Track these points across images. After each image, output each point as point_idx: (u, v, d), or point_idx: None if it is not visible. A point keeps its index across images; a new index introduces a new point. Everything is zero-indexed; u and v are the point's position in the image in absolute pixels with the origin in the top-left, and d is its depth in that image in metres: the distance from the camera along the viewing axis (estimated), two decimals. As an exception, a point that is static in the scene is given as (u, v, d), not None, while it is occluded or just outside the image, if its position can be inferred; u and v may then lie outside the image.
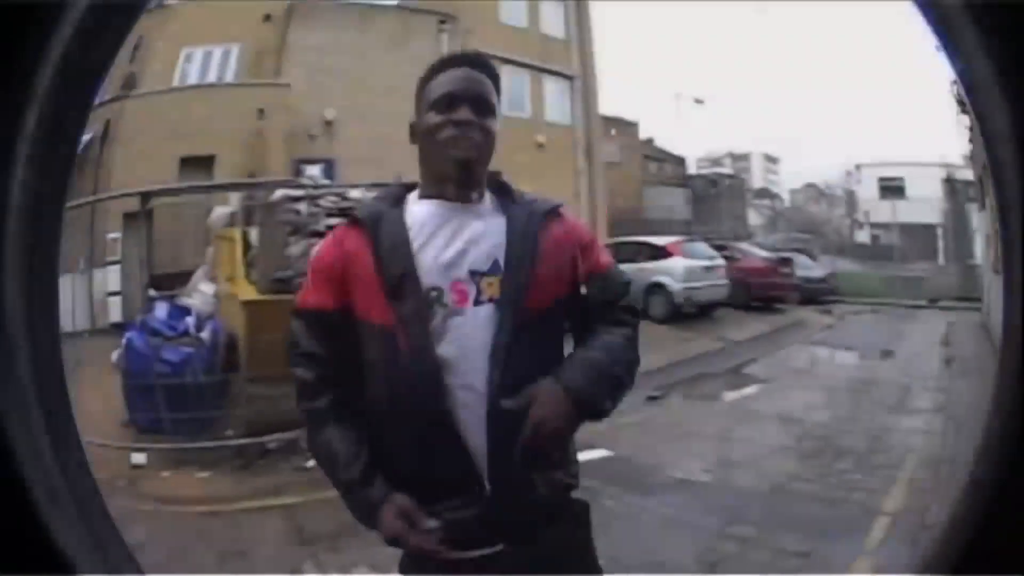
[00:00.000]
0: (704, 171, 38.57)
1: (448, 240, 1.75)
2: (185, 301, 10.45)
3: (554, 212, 1.89)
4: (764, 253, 19.43)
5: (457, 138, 1.75)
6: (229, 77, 18.53)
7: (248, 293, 8.23)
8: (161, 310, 9.73)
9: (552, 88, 22.66)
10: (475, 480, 1.70)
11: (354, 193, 8.74)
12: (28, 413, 0.92)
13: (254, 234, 8.62)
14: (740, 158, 49.12)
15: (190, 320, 9.36)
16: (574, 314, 1.89)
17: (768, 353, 13.18)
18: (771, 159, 54.02)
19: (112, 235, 16.45)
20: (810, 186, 47.42)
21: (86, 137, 14.97)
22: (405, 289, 1.69)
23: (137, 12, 1.06)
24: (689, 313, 15.65)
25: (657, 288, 15.63)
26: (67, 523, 0.92)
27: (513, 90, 20.88)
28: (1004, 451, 0.84)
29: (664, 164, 33.81)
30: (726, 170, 42.07)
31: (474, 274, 1.72)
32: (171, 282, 13.29)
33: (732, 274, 17.28)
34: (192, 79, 18.35)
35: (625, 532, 5.50)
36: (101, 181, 16.26)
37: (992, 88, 0.82)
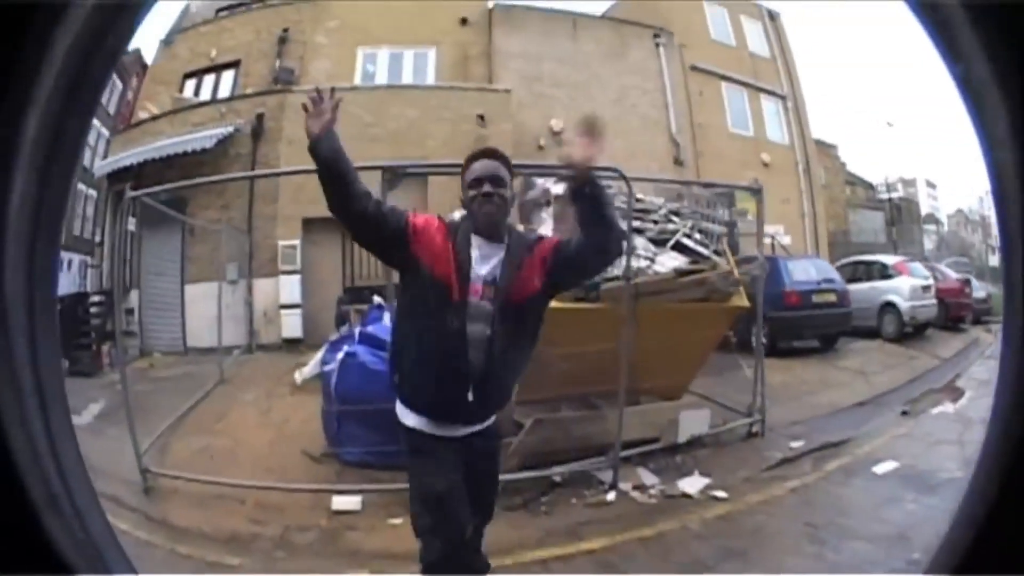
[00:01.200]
0: (890, 195, 37.95)
1: (483, 260, 3.08)
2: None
3: (537, 239, 3.26)
4: (955, 275, 19.17)
5: (485, 204, 3.10)
6: (430, 79, 17.72)
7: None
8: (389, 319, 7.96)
9: (768, 107, 21.94)
10: (464, 385, 3.05)
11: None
12: (27, 417, 0.97)
13: (543, 232, 6.87)
14: (909, 183, 50.13)
15: None
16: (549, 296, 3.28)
17: (964, 368, 13.04)
18: (931, 184, 56.40)
19: (287, 242, 15.44)
20: (959, 212, 51.49)
21: (225, 130, 15.66)
22: (461, 270, 3.02)
23: (140, 16, 1.09)
24: (907, 332, 15.62)
25: (890, 307, 15.72)
26: (65, 526, 0.98)
27: (734, 107, 20.65)
28: (1006, 453, 0.89)
29: (856, 188, 33.82)
30: (904, 195, 42.99)
31: (486, 282, 3.05)
32: (366, 296, 12.38)
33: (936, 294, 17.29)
34: (381, 79, 17.62)
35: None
36: (261, 181, 15.33)
37: (991, 90, 0.85)
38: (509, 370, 3.21)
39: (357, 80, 17.31)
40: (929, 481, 6.73)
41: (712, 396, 8.49)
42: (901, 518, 5.67)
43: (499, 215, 3.14)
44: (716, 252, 7.67)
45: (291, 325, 15.08)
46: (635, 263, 6.84)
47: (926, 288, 16.22)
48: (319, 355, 9.39)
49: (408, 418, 3.18)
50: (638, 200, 7.88)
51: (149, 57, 18.93)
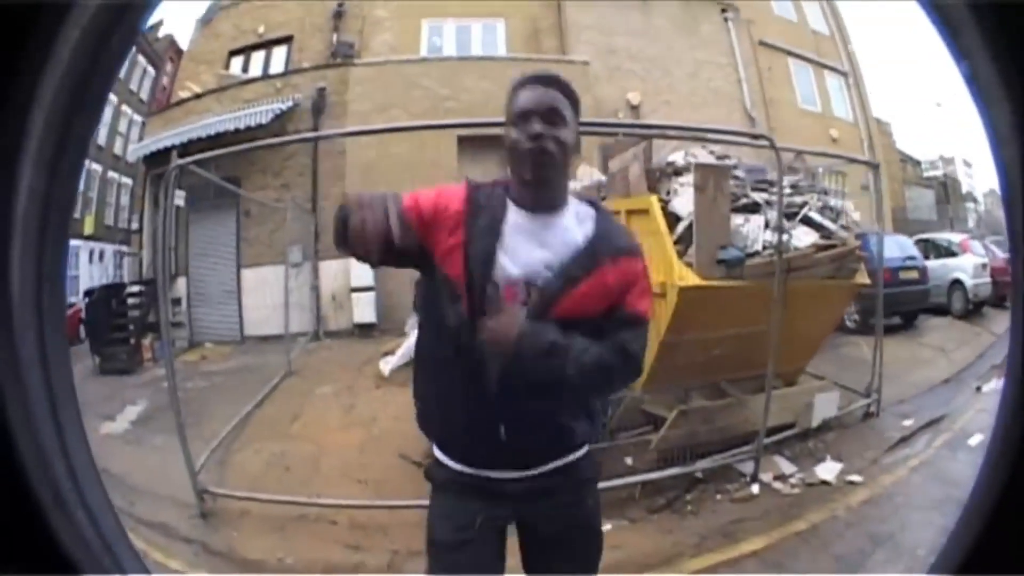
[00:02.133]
0: (940, 173, 37.73)
1: (521, 247, 2.12)
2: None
3: (628, 248, 2.21)
4: (1002, 253, 18.22)
5: (533, 151, 2.08)
6: (501, 51, 17.30)
7: (687, 277, 6.36)
8: None
9: (832, 84, 21.68)
10: (491, 423, 2.14)
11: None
12: (34, 417, 0.96)
13: (679, 203, 6.93)
14: (948, 162, 48.05)
15: None
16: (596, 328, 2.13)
17: None
18: (967, 163, 54.67)
19: None
20: (992, 191, 48.16)
21: (283, 105, 15.38)
22: (473, 271, 2.09)
23: (147, 13, 1.10)
24: (969, 310, 15.77)
25: (957, 284, 15.87)
26: (72, 525, 0.97)
27: (802, 83, 20.40)
28: (1011, 452, 0.89)
29: (906, 165, 33.08)
30: (948, 172, 41.31)
31: (527, 283, 2.10)
32: None
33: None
34: (450, 52, 17.30)
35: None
36: (324, 159, 15.23)
37: (996, 88, 0.85)
38: (557, 398, 2.19)
39: (424, 52, 17.07)
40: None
41: (828, 377, 8.43)
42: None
43: (555, 169, 2.14)
44: (843, 227, 7.49)
45: (364, 309, 14.62)
46: (770, 237, 6.68)
47: (984, 266, 16.34)
48: (410, 340, 8.96)
49: (443, 458, 2.32)
50: (762, 172, 7.80)
51: (183, 42, 18.88)
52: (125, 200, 18.34)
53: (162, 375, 7.30)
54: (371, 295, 14.62)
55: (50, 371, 0.98)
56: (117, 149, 18.26)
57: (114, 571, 1.02)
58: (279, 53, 17.67)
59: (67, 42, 0.91)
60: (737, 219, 6.75)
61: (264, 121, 14.72)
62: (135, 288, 15.12)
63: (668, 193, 7.14)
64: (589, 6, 17.62)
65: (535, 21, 17.79)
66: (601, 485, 5.50)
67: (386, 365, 9.56)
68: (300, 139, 13.15)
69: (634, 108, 16.88)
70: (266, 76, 17.02)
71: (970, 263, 16.11)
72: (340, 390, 9.38)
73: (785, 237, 6.67)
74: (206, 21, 18.10)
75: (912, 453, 7.20)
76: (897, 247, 14.14)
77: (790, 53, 20.21)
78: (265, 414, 8.53)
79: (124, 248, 17.91)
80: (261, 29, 17.57)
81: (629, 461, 6.49)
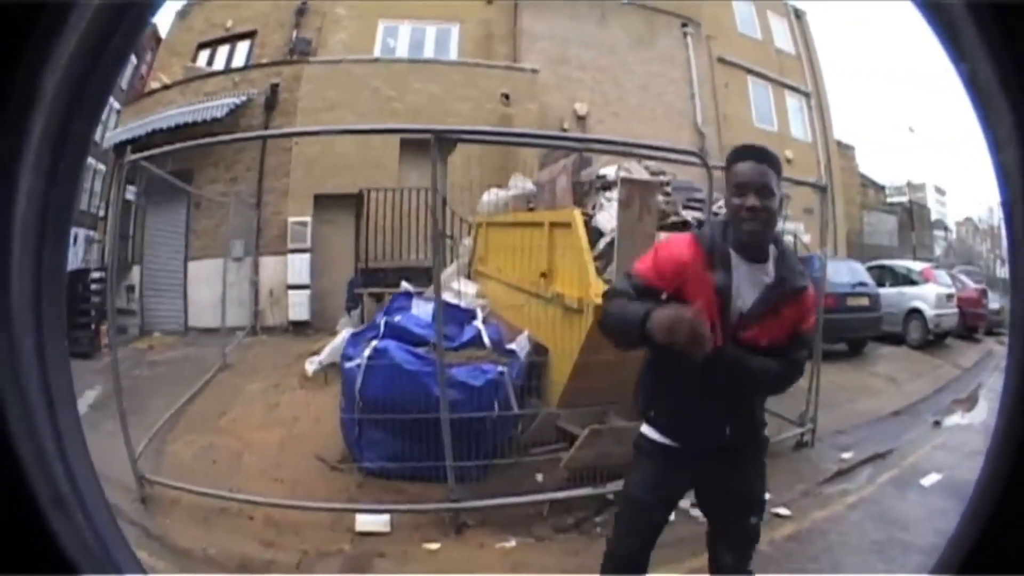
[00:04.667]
0: (903, 199, 38.31)
1: (741, 288, 2.83)
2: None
3: (803, 289, 2.94)
4: (973, 284, 19.07)
5: (748, 221, 2.77)
6: (452, 56, 17.36)
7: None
8: (422, 308, 7.43)
9: (792, 104, 21.92)
10: (722, 427, 2.96)
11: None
12: (33, 416, 0.96)
13: (602, 218, 6.72)
14: (917, 188, 49.06)
15: (477, 324, 7.20)
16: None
17: (985, 379, 12.94)
18: (940, 190, 55.54)
19: (297, 219, 14.85)
20: (968, 220, 50.24)
21: (237, 100, 15.26)
22: (725, 315, 2.81)
23: (148, 15, 1.09)
24: (929, 340, 15.59)
25: (915, 314, 15.75)
26: (71, 525, 0.97)
27: (759, 102, 20.64)
28: (1012, 453, 0.90)
29: (868, 189, 33.20)
30: (916, 199, 42.02)
31: (741, 315, 2.83)
32: (381, 279, 12.17)
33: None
34: (402, 54, 17.23)
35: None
36: (271, 155, 15.06)
37: (996, 90, 0.85)
38: (761, 400, 3.21)
39: (377, 53, 16.97)
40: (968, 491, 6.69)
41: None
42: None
43: (765, 234, 2.85)
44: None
45: (299, 307, 14.54)
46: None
47: (950, 296, 16.24)
48: (335, 342, 8.85)
49: (655, 435, 3.10)
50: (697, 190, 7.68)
51: (164, 31, 18.64)
52: (99, 186, 18.33)
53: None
54: (306, 293, 14.63)
55: (49, 373, 0.98)
56: (96, 135, 18.08)
57: (112, 572, 1.02)
58: (243, 48, 17.72)
59: (68, 43, 0.90)
60: (665, 237, 6.54)
61: (219, 115, 14.69)
62: (97, 274, 14.69)
63: (594, 207, 6.95)
64: (546, 15, 17.67)
65: (490, 26, 17.80)
66: (507, 501, 5.78)
67: (311, 365, 9.17)
68: (251, 136, 13.06)
69: (581, 119, 16.88)
70: (225, 71, 17.03)
71: (932, 293, 15.95)
72: (267, 388, 9.16)
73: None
74: (183, 14, 18.06)
75: (850, 488, 6.84)
76: (848, 272, 14.10)
77: (750, 71, 20.33)
78: (198, 407, 8.54)
79: (92, 234, 17.96)
80: (229, 23, 17.57)
81: (540, 478, 6.25)
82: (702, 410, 2.92)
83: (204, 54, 17.74)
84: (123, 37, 0.98)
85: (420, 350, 6.39)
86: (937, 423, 9.48)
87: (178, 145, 8.83)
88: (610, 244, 6.28)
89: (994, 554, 0.87)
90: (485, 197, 9.59)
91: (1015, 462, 0.89)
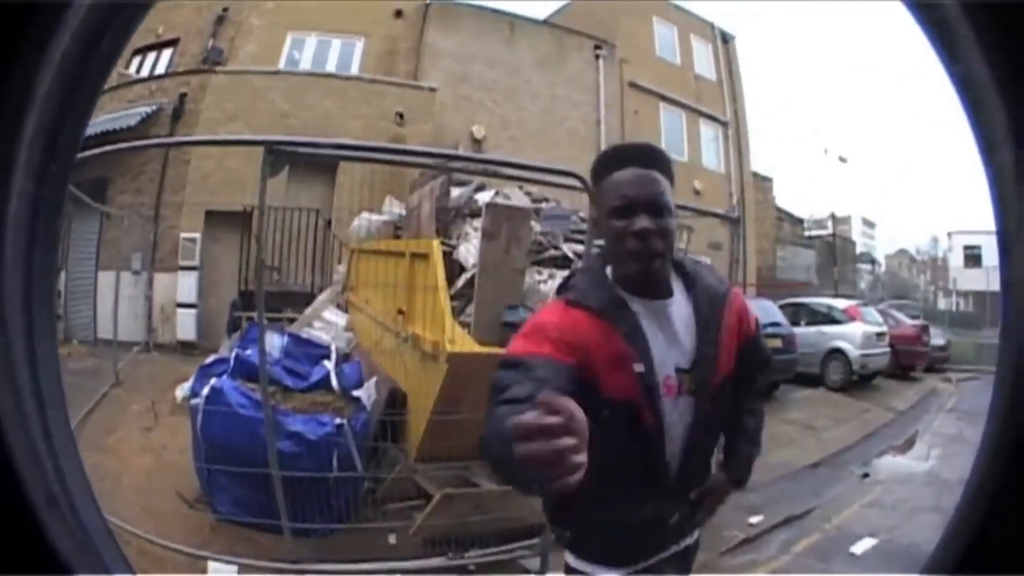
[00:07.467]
0: (820, 232, 38.34)
1: (657, 337, 1.92)
2: (307, 333, 7.66)
3: (724, 293, 2.09)
4: (909, 321, 19.09)
5: (640, 251, 1.86)
6: (354, 71, 17.18)
7: (459, 341, 5.37)
8: (275, 341, 6.66)
9: (706, 132, 21.94)
10: (667, 518, 2.04)
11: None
12: (26, 416, 0.95)
13: (464, 251, 6.08)
14: (842, 221, 49.81)
15: (328, 364, 6.40)
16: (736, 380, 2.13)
17: (926, 423, 12.93)
18: (868, 223, 57.59)
19: (188, 235, 14.57)
20: (902, 252, 52.48)
21: (148, 109, 15.20)
22: (646, 379, 1.87)
23: (140, 15, 1.08)
24: (853, 381, 15.22)
25: (837, 354, 15.33)
26: (63, 525, 0.96)
27: (669, 130, 20.47)
28: (1003, 452, 0.86)
29: (783, 223, 33.65)
30: (840, 231, 42.26)
31: (679, 371, 1.93)
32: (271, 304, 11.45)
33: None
34: (305, 67, 17.12)
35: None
36: (172, 167, 14.86)
37: (990, 91, 0.84)
38: (707, 463, 2.18)
39: (281, 65, 16.92)
40: (918, 559, 5.99)
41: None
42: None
43: (664, 264, 1.94)
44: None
45: (186, 326, 14.24)
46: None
47: (880, 335, 15.91)
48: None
49: (583, 566, 2.10)
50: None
51: None
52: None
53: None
54: (194, 313, 14.32)
55: (39, 373, 0.97)
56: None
57: (104, 572, 1.00)
58: (167, 55, 17.54)
59: (61, 43, 0.90)
60: (540, 274, 6.00)
61: (132, 124, 14.43)
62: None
63: (458, 237, 6.39)
64: (453, 30, 17.66)
65: (395, 42, 17.68)
66: (350, 568, 5.25)
67: (180, 391, 8.71)
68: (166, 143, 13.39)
69: (477, 142, 16.80)
70: (146, 78, 16.81)
71: (858, 331, 15.43)
72: (145, 410, 8.86)
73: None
74: (132, 19, 17.64)
75: (759, 559, 6.21)
76: (759, 312, 13.65)
77: (663, 97, 20.19)
78: (93, 421, 8.27)
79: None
80: (160, 30, 17.30)
81: (392, 540, 5.51)
82: (651, 516, 2.03)
83: (136, 60, 17.52)
84: (114, 37, 0.98)
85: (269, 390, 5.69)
86: (866, 475, 9.02)
87: (87, 153, 8.29)
88: (470, 282, 5.74)
89: (987, 554, 0.85)
90: (356, 222, 9.19)
91: (1008, 461, 0.85)
